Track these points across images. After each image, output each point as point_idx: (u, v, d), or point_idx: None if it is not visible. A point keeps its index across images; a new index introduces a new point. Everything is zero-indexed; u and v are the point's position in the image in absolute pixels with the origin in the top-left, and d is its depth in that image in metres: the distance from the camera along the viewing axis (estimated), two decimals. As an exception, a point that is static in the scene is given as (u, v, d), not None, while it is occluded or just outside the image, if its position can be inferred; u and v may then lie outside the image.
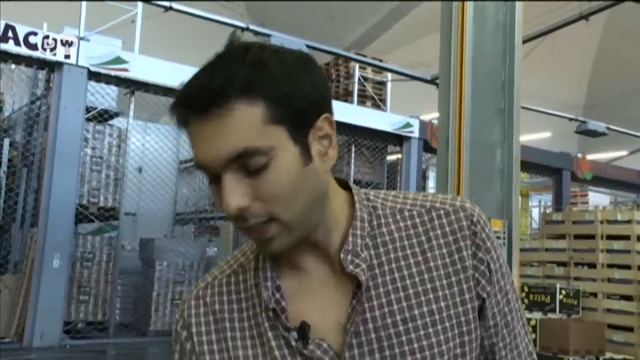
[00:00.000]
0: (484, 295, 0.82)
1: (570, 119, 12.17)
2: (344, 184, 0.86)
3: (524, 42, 6.90)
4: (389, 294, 0.79)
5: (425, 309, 0.79)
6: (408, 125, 11.84)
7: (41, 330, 8.06)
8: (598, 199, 14.92)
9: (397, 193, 0.88)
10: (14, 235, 9.48)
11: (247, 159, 0.71)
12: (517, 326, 0.87)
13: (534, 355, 0.90)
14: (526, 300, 5.40)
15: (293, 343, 0.78)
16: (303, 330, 0.78)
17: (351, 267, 0.78)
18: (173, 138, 13.20)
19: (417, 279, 0.80)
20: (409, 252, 0.82)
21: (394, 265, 0.81)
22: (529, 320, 4.89)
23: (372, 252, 0.81)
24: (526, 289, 5.45)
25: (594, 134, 12.11)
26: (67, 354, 8.20)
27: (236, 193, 0.72)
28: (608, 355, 4.71)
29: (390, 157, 12.85)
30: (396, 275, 0.80)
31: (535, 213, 14.46)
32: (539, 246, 6.23)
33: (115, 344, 8.94)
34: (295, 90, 0.73)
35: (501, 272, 0.85)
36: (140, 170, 11.92)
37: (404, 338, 0.78)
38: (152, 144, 11.85)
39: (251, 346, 0.81)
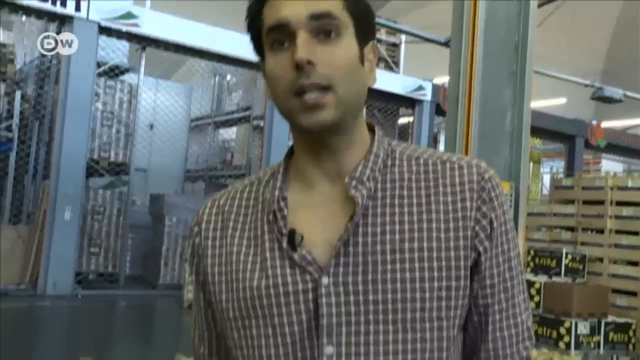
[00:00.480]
0: (481, 248, 0.83)
1: (586, 85, 11.95)
2: (370, 127, 0.90)
3: (540, 5, 6.75)
4: (384, 225, 0.81)
5: (416, 244, 0.80)
6: (420, 88, 11.71)
7: (54, 279, 8.26)
8: (611, 166, 14.78)
9: (419, 147, 0.91)
10: (26, 186, 9.61)
11: (325, 24, 0.80)
12: (517, 297, 0.87)
13: (532, 332, 0.90)
14: (532, 264, 5.42)
15: (284, 245, 0.82)
16: (292, 236, 0.81)
17: (352, 191, 0.81)
18: (184, 96, 13.20)
19: (415, 217, 0.82)
20: (414, 192, 0.84)
21: (396, 201, 0.83)
22: (533, 283, 4.92)
23: (379, 186, 0.84)
24: (532, 252, 5.46)
25: (610, 100, 11.89)
26: (79, 303, 8.42)
27: (309, 47, 0.79)
28: (610, 318, 4.75)
29: (402, 120, 12.77)
30: (396, 210, 0.82)
31: (547, 179, 14.39)
32: (547, 211, 6.22)
33: (126, 296, 9.13)
34: (363, 3, 0.85)
35: (506, 237, 0.85)
36: (151, 126, 11.95)
37: (389, 267, 0.79)
38: (163, 101, 11.85)
39: (246, 245, 0.86)
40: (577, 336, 4.57)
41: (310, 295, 0.80)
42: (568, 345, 4.57)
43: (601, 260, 5.46)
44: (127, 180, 9.81)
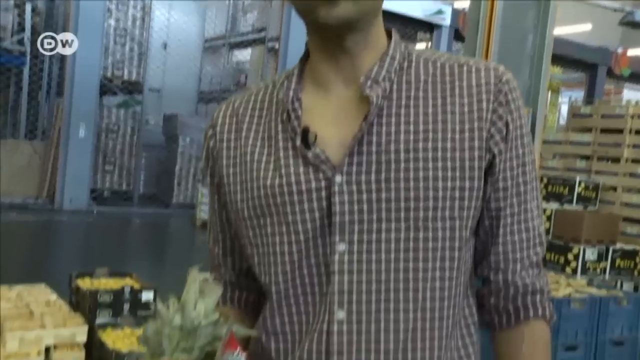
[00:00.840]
0: (495, 150, 0.82)
1: (615, 10, 11.45)
2: (387, 32, 0.89)
3: None
4: (399, 125, 0.81)
5: (430, 144, 0.80)
6: (440, 12, 11.38)
7: (70, 195, 8.44)
8: (633, 96, 14.43)
9: (436, 51, 0.90)
10: (41, 103, 9.65)
11: None
12: (530, 202, 0.86)
13: (544, 239, 0.89)
14: (544, 191, 5.39)
15: (298, 144, 0.82)
16: (306, 134, 0.81)
17: (367, 90, 0.81)
18: (198, 15, 12.92)
19: (430, 118, 0.81)
20: (429, 94, 0.83)
21: (411, 102, 0.82)
22: (544, 210, 4.92)
23: (394, 87, 0.83)
24: (545, 180, 5.43)
25: (640, 25, 11.40)
26: (94, 219, 8.63)
27: None
28: (618, 245, 4.77)
29: (419, 46, 12.48)
30: (411, 110, 0.82)
31: (565, 110, 14.13)
32: (563, 139, 6.14)
33: (139, 213, 9.33)
34: None
35: (521, 141, 0.84)
36: (164, 46, 11.80)
37: (402, 166, 0.79)
38: (177, 19, 11.63)
39: (260, 145, 0.87)
40: (584, 262, 4.62)
41: (324, 194, 0.80)
42: (575, 270, 4.62)
43: (615, 189, 5.43)
44: (141, 100, 9.80)
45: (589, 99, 12.29)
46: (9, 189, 8.00)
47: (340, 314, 0.80)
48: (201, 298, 0.77)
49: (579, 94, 14.39)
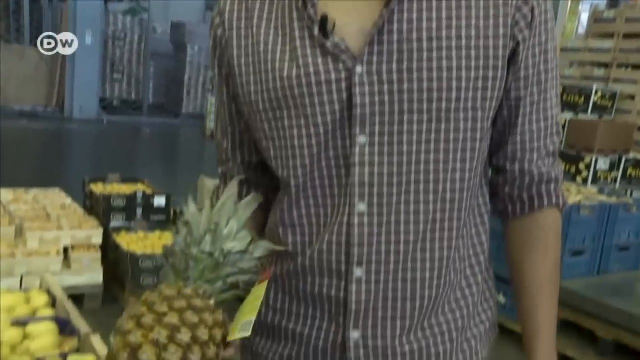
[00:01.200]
0: (520, 38, 0.78)
1: None
2: None
3: None
4: (421, 12, 0.77)
5: (454, 32, 0.76)
6: None
7: (80, 104, 8.43)
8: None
9: None
10: (44, 7, 9.41)
11: None
12: (549, 91, 0.84)
13: (561, 128, 0.87)
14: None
15: (315, 32, 0.78)
16: (324, 22, 0.77)
17: None
18: None
19: (453, 4, 0.77)
20: None
21: None
22: (557, 119, 4.83)
23: None
24: (560, 89, 5.32)
25: None
26: (104, 128, 8.65)
27: None
28: (632, 155, 4.73)
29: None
30: None
31: (585, 18, 13.59)
32: (582, 46, 5.94)
33: (149, 123, 9.33)
34: None
35: (545, 27, 0.81)
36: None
37: (425, 55, 0.76)
38: None
39: (274, 34, 0.82)
40: (595, 172, 4.59)
41: (344, 85, 0.77)
42: (585, 180, 4.60)
43: (632, 97, 5.32)
44: (147, 7, 9.55)
45: (613, 3, 11.77)
46: (18, 95, 7.98)
47: (361, 206, 0.79)
48: (234, 217, 0.75)
49: (602, 1, 13.80)
